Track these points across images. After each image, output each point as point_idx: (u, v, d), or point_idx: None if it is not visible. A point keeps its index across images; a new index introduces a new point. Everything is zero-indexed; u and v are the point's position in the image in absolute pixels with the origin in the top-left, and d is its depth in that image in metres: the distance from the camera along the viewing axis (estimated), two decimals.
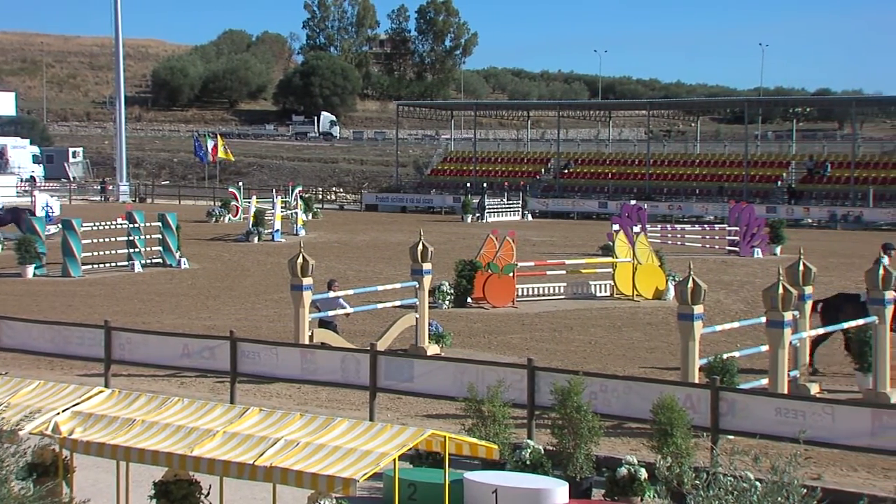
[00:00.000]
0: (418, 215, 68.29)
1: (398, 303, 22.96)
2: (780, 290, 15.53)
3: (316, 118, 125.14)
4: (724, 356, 16.49)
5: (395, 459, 9.04)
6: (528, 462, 12.71)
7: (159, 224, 36.91)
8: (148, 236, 36.76)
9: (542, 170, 77.35)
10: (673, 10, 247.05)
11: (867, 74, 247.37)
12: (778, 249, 42.58)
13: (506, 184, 71.23)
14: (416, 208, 72.37)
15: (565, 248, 43.52)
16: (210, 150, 73.72)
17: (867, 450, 13.16)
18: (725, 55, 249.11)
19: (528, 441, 13.38)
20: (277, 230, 47.38)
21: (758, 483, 8.55)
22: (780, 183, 68.23)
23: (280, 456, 8.98)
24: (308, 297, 19.24)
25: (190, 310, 27.46)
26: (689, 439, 12.40)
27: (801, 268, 17.69)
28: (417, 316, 21.23)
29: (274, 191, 54.49)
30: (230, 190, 60.85)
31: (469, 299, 28.18)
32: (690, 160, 74.18)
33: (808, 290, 17.91)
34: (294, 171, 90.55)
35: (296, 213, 51.15)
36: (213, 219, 57.28)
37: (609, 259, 30.94)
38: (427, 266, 20.92)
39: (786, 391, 15.69)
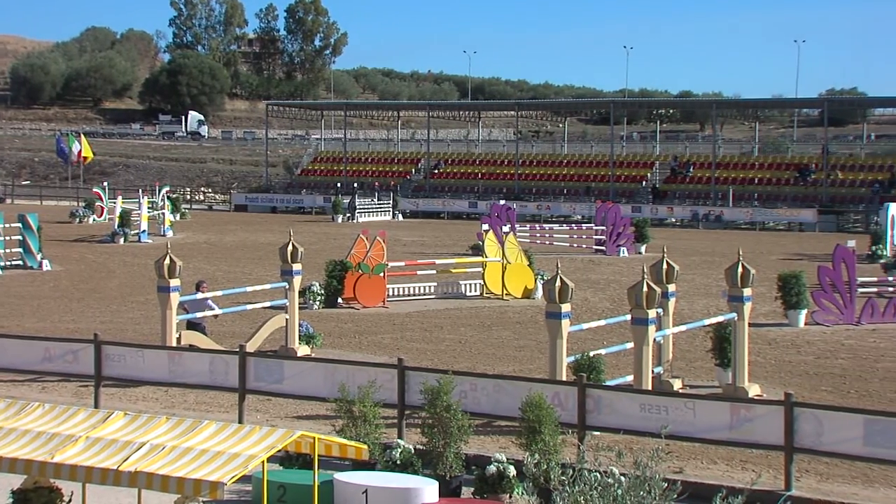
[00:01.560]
0: (288, 216, 67.81)
1: (268, 304, 22.74)
2: (645, 289, 15.87)
3: (183, 117, 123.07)
4: (591, 354, 16.79)
5: (263, 461, 8.97)
6: (398, 462, 12.73)
7: (19, 225, 35.86)
8: (7, 237, 35.69)
9: (413, 170, 77.54)
10: (540, 12, 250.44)
11: (727, 77, 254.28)
12: (643, 248, 43.49)
13: (376, 184, 71.25)
14: (287, 209, 71.87)
15: (436, 248, 43.71)
16: (76, 153, 72.18)
17: (726, 443, 13.56)
18: (592, 57, 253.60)
19: (399, 441, 13.41)
20: (144, 231, 46.49)
21: (622, 478, 8.74)
22: (644, 183, 69.70)
23: (145, 460, 8.82)
24: (175, 298, 18.95)
25: (52, 313, 26.76)
26: (556, 436, 12.58)
27: (665, 266, 18.09)
28: (287, 317, 21.07)
29: (140, 191, 53.41)
30: (95, 190, 59.48)
31: (340, 300, 28.09)
32: (558, 160, 75.26)
33: (672, 287, 18.34)
34: (161, 171, 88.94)
35: (163, 214, 50.26)
36: (77, 220, 55.95)
37: (479, 259, 31.21)
38: (297, 267, 20.80)
39: (650, 387, 16.04)
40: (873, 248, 38.87)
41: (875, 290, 28.42)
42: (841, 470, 13.76)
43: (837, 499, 12.63)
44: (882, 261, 35.86)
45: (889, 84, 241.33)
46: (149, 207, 48.31)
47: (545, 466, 11.13)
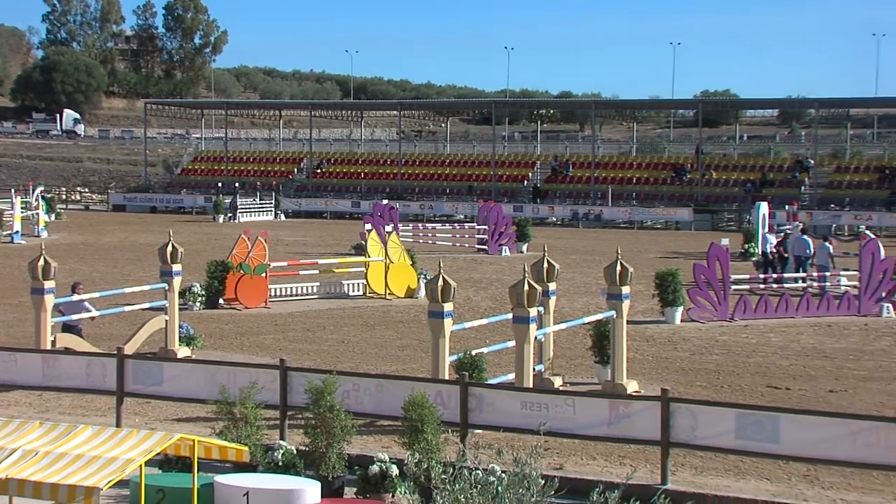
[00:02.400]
0: (168, 216, 66.79)
1: (147, 305, 22.36)
2: (526, 287, 16.04)
3: (58, 115, 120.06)
4: (474, 352, 16.91)
5: (141, 465, 8.83)
6: (280, 463, 12.65)
7: None
8: None
9: (295, 169, 77.05)
10: (421, 12, 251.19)
11: (606, 79, 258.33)
12: (524, 247, 43.95)
13: (258, 183, 70.62)
14: (167, 209, 70.81)
15: (318, 248, 43.51)
16: None
17: (605, 439, 13.78)
18: (473, 57, 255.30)
19: (281, 442, 13.32)
20: (17, 232, 45.31)
21: (503, 475, 8.84)
22: (526, 182, 70.42)
23: (17, 467, 8.61)
24: (50, 300, 18.52)
25: None
26: (439, 435, 12.63)
27: (546, 265, 18.31)
28: (167, 318, 20.77)
29: (13, 191, 51.94)
30: None
31: (221, 300, 27.78)
32: (441, 160, 75.58)
33: (552, 286, 18.57)
34: (35, 171, 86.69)
35: (37, 214, 49.03)
36: None
37: (362, 258, 31.17)
38: (177, 267, 20.51)
39: (531, 385, 16.22)
40: (746, 246, 39.92)
41: (747, 287, 29.23)
42: (715, 463, 14.11)
43: (711, 491, 12.96)
44: (754, 258, 36.84)
45: (760, 86, 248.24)
46: (22, 207, 47.06)
47: (426, 465, 11.18)
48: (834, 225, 56.37)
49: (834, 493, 13.09)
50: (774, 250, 33.67)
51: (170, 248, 20.31)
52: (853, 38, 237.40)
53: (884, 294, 26.88)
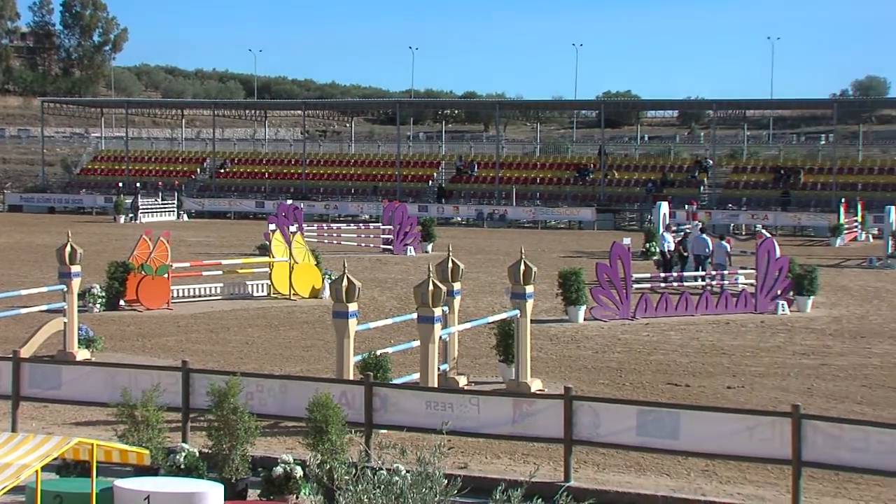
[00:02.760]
0: (67, 216, 65.51)
1: (44, 307, 21.90)
2: (430, 287, 16.09)
3: None
4: (378, 352, 16.90)
5: (37, 471, 8.66)
6: (182, 466, 12.51)
7: None
8: None
9: (198, 169, 76.17)
10: (325, 11, 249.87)
11: (510, 79, 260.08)
12: (429, 247, 44.05)
13: (160, 183, 69.69)
14: (66, 209, 69.48)
15: (222, 249, 43.09)
16: None
17: (509, 437, 13.90)
18: (378, 57, 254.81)
19: (183, 444, 13.18)
20: None
21: (408, 475, 8.85)
22: (431, 182, 70.56)
23: None
24: None
25: None
26: (343, 435, 12.61)
27: (451, 265, 18.39)
28: (66, 320, 20.39)
29: None
30: None
31: (122, 302, 27.35)
32: (346, 160, 75.34)
33: (457, 286, 18.66)
34: None
35: None
36: None
37: (266, 259, 30.95)
38: (76, 268, 20.17)
39: (436, 384, 16.27)
40: (647, 245, 40.53)
41: (649, 285, 29.69)
42: (616, 460, 14.31)
43: (613, 488, 13.14)
44: (655, 257, 37.43)
45: (661, 87, 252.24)
46: None
47: (329, 466, 11.15)
48: (732, 224, 57.50)
49: (731, 487, 13.38)
50: (673, 249, 34.23)
51: (68, 248, 19.96)
52: (749, 42, 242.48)
53: (779, 292, 27.51)
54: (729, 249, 31.79)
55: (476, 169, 70.41)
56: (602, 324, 25.68)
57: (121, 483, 11.24)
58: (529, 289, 18.17)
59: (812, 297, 27.97)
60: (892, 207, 41.32)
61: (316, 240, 42.13)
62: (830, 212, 53.85)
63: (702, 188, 64.63)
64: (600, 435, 13.23)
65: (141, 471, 12.08)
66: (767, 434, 12.62)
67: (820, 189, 62.27)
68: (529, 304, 18.25)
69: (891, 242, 39.48)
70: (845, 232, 49.54)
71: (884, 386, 19.11)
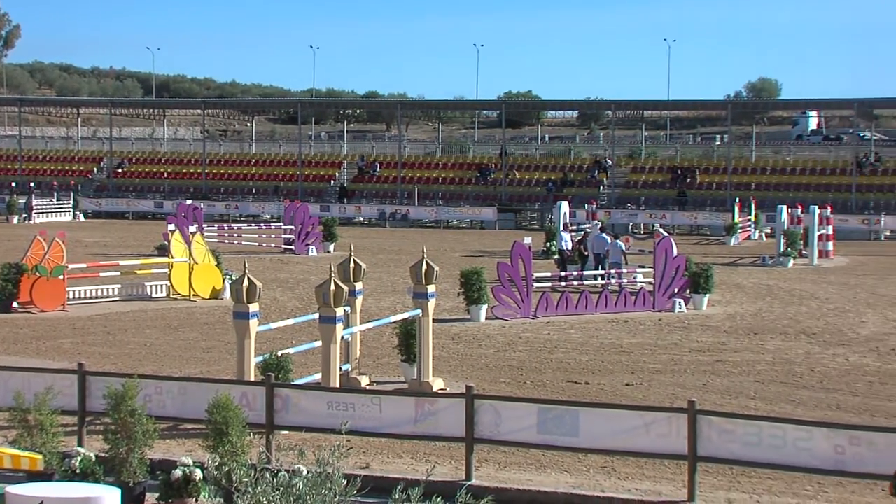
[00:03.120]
0: None
1: None
2: (332, 287, 16.05)
3: None
4: (280, 353, 16.82)
5: None
6: (78, 470, 12.29)
7: None
8: None
9: (95, 169, 74.77)
10: (224, 8, 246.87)
11: (412, 79, 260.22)
12: (331, 247, 43.87)
13: (55, 183, 68.24)
14: None
15: (120, 249, 42.39)
16: None
17: (411, 437, 13.94)
18: (278, 56, 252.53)
19: (79, 448, 12.94)
20: None
21: (308, 476, 8.83)
22: (332, 182, 70.27)
23: None
24: None
25: None
26: (244, 437, 12.51)
27: (352, 265, 18.37)
28: None
29: None
30: None
31: (15, 304, 26.75)
32: (246, 160, 74.66)
33: (359, 286, 18.64)
34: None
35: None
36: None
37: (165, 259, 30.54)
38: None
39: (338, 385, 16.24)
40: (548, 244, 40.91)
41: (549, 284, 29.99)
42: (517, 458, 14.44)
43: (514, 486, 13.25)
44: (555, 257, 37.80)
45: (560, 88, 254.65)
46: None
47: (228, 468, 11.06)
48: (631, 223, 58.32)
49: (629, 482, 13.59)
50: (571, 248, 34.61)
51: None
52: (647, 43, 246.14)
53: (676, 290, 28.00)
54: (624, 248, 32.31)
55: (378, 169, 70.34)
56: (503, 323, 25.86)
57: (12, 489, 10.99)
58: (431, 288, 18.23)
59: (708, 295, 28.53)
60: (784, 207, 42.37)
61: (216, 240, 41.70)
62: (725, 211, 54.95)
63: (601, 188, 65.45)
64: (501, 433, 13.35)
65: (34, 476, 11.84)
66: (664, 430, 12.87)
67: (715, 189, 63.49)
68: (431, 303, 18.32)
69: (783, 241, 40.43)
70: (740, 231, 50.59)
71: (776, 381, 19.58)
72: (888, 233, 55.43)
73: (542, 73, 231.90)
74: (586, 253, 34.01)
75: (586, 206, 49.21)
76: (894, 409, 17.43)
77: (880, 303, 29.79)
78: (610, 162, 68.17)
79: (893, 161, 64.54)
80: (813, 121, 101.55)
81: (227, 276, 29.41)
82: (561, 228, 38.40)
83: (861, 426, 13.80)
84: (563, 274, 32.04)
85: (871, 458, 12.09)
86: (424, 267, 18.08)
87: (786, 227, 41.11)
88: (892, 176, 61.58)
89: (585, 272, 32.27)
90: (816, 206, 41.19)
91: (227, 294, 28.14)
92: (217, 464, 10.79)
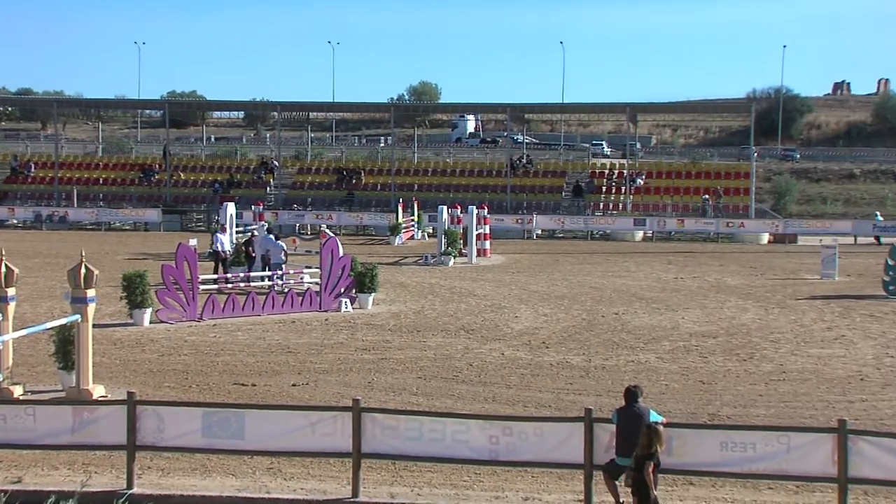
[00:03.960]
0: None
1: None
2: None
3: None
4: None
5: None
6: None
7: None
8: None
9: None
10: None
11: (69, 76, 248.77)
12: None
13: None
14: None
15: None
16: None
17: (69, 447, 13.44)
18: None
19: None
20: None
21: None
22: None
23: None
24: None
25: None
26: None
27: (4, 269, 17.49)
28: None
29: None
30: None
31: None
32: None
33: (12, 291, 17.77)
34: None
35: None
36: None
37: None
38: None
39: None
40: (214, 246, 40.29)
41: (216, 286, 29.64)
42: (182, 463, 14.22)
43: (177, 491, 13.06)
44: (206, 257, 37.11)
45: (226, 88, 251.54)
46: None
47: None
48: (298, 224, 58.61)
49: (295, 482, 13.70)
50: (226, 249, 34.25)
51: None
52: (312, 45, 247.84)
53: (342, 290, 28.41)
54: (286, 248, 32.50)
55: (33, 169, 67.11)
56: (169, 326, 25.34)
57: None
58: (91, 293, 17.63)
59: (373, 294, 29.13)
60: (444, 207, 43.88)
61: None
62: (390, 211, 56.29)
63: (268, 189, 65.38)
64: (165, 439, 13.12)
65: None
66: (329, 429, 13.07)
67: (380, 189, 64.89)
68: (91, 308, 17.71)
69: (443, 240, 41.87)
70: (403, 231, 51.98)
71: (437, 377, 20.27)
72: (539, 231, 58.63)
73: (207, 74, 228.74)
74: (253, 254, 33.86)
75: (253, 207, 48.97)
76: (545, 399, 18.46)
77: (532, 298, 31.43)
78: (276, 163, 68.22)
79: (543, 163, 68.33)
80: (471, 124, 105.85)
81: None
82: (219, 230, 37.92)
83: (513, 417, 14.55)
84: (228, 276, 31.74)
85: (523, 447, 12.80)
86: (83, 270, 17.46)
87: (446, 227, 42.60)
88: (543, 178, 65.18)
89: (252, 273, 32.12)
90: (475, 207, 42.92)
91: None
92: None
